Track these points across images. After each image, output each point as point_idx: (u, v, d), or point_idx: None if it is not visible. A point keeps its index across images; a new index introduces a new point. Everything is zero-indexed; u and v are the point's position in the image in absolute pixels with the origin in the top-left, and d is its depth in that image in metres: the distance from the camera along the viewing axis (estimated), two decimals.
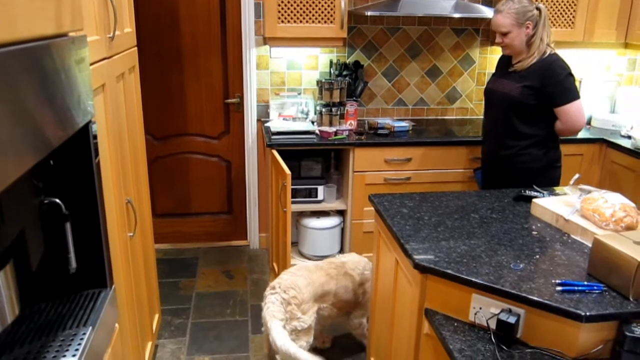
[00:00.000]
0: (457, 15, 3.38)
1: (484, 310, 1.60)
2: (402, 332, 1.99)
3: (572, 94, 2.55)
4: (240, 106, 3.87)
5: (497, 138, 2.77)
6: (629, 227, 1.80)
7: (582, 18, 3.63)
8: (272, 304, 2.36)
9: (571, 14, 3.61)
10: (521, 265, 1.70)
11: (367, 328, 2.70)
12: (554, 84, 2.54)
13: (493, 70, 2.93)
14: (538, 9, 2.58)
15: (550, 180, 2.60)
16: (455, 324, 1.66)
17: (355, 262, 2.69)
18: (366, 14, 3.33)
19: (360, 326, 2.76)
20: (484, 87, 2.92)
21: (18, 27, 0.95)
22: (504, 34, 2.62)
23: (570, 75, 2.56)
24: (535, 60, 2.59)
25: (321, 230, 3.51)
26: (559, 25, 3.62)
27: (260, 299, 3.01)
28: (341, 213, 3.63)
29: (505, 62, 2.77)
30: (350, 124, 3.60)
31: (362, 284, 2.66)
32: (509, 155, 2.71)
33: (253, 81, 3.76)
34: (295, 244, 3.71)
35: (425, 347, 1.81)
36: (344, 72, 3.66)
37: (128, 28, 2.27)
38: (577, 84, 2.61)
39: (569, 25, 3.63)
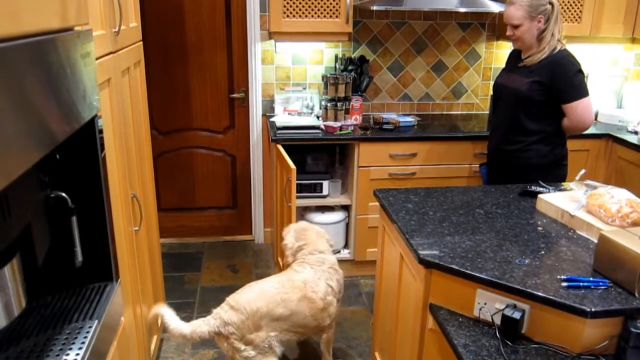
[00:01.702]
0: (462, 10, 3.36)
1: (489, 305, 1.59)
2: (406, 327, 2.00)
3: (580, 91, 2.53)
4: (245, 101, 3.87)
5: (503, 133, 2.75)
6: (635, 223, 1.79)
7: (589, 12, 3.60)
8: (206, 323, 2.27)
9: (578, 8, 3.59)
10: (526, 261, 1.70)
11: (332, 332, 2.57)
12: (562, 80, 2.52)
13: (499, 65, 2.92)
14: (551, 3, 2.55)
15: (555, 178, 2.59)
16: (460, 319, 1.66)
17: (316, 281, 2.37)
18: (371, 8, 3.32)
19: (328, 343, 2.56)
20: (493, 81, 2.90)
21: (23, 21, 0.95)
22: (515, 27, 2.59)
23: (580, 72, 2.54)
24: (545, 55, 2.56)
25: (326, 225, 3.51)
26: (566, 19, 3.60)
27: None
28: (346, 208, 3.63)
29: (515, 57, 2.76)
30: (355, 119, 3.59)
31: (325, 309, 2.36)
32: (514, 151, 2.70)
33: (258, 76, 3.76)
34: None
35: (429, 342, 1.81)
36: (349, 67, 3.65)
37: (133, 22, 2.27)
38: (586, 80, 2.58)
39: (576, 20, 3.61)
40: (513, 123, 2.69)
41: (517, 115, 2.66)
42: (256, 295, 2.27)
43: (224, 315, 2.25)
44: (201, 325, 2.26)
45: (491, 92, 3.12)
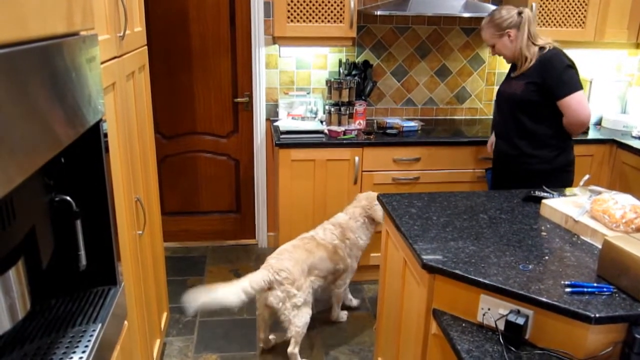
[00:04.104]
0: (466, 15, 3.36)
1: (493, 311, 1.59)
2: (409, 333, 1.99)
3: (571, 86, 2.53)
4: (249, 105, 3.88)
5: (507, 139, 2.76)
6: (639, 229, 1.78)
7: (593, 18, 3.60)
8: (259, 273, 2.59)
9: (582, 13, 3.59)
10: (530, 266, 1.69)
11: (345, 289, 3.12)
12: (552, 77, 2.55)
13: (503, 70, 2.95)
14: (520, 13, 2.63)
15: (561, 185, 2.58)
16: (463, 325, 1.65)
17: (322, 231, 2.91)
18: (375, 13, 3.33)
19: (343, 285, 3.05)
20: (497, 85, 2.93)
21: (29, 26, 0.96)
22: (492, 47, 2.74)
23: (570, 67, 2.55)
24: (534, 61, 2.61)
25: None
26: (570, 25, 3.60)
27: None
28: None
29: (514, 65, 2.79)
30: (359, 124, 3.59)
31: (335, 251, 2.86)
32: (518, 156, 2.70)
33: (262, 80, 3.77)
34: None
35: (432, 347, 1.81)
36: (353, 72, 3.66)
37: (138, 27, 2.28)
38: (583, 79, 2.58)
39: (580, 25, 3.61)
40: (515, 128, 2.70)
41: (518, 119, 2.67)
42: (291, 249, 2.75)
43: (276, 263, 2.63)
44: (255, 275, 2.58)
45: (494, 101, 3.12)
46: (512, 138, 2.72)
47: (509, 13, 2.62)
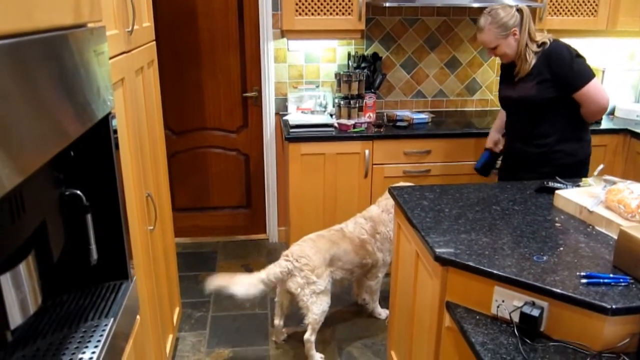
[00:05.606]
0: (476, 5, 3.33)
1: (507, 303, 1.57)
2: (422, 326, 1.98)
3: (584, 76, 2.48)
4: (258, 100, 3.87)
5: (527, 140, 2.67)
6: None
7: (606, 6, 3.55)
8: (276, 265, 2.64)
9: (594, 2, 3.53)
10: (544, 258, 1.67)
11: (378, 282, 3.05)
12: (563, 69, 2.49)
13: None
14: (519, 10, 2.54)
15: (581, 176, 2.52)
16: (477, 317, 1.63)
17: (353, 225, 2.90)
18: (384, 5, 3.30)
19: (375, 278, 3.02)
20: (498, 95, 2.85)
21: (36, 16, 0.95)
22: (493, 49, 2.61)
23: (578, 56, 2.50)
24: (534, 60, 2.54)
25: None
26: (581, 13, 3.55)
27: None
28: None
29: (510, 68, 2.69)
30: (368, 117, 3.57)
31: (362, 246, 2.84)
32: (542, 154, 2.62)
33: (271, 74, 3.75)
34: None
35: (446, 340, 1.79)
36: (362, 64, 3.64)
37: (146, 22, 2.27)
38: (595, 68, 2.53)
39: (592, 14, 3.56)
40: (534, 129, 2.61)
41: (537, 119, 2.59)
42: (315, 238, 2.78)
43: (297, 250, 2.68)
44: (272, 268, 2.63)
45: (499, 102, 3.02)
46: (533, 139, 2.64)
47: (508, 12, 2.54)
